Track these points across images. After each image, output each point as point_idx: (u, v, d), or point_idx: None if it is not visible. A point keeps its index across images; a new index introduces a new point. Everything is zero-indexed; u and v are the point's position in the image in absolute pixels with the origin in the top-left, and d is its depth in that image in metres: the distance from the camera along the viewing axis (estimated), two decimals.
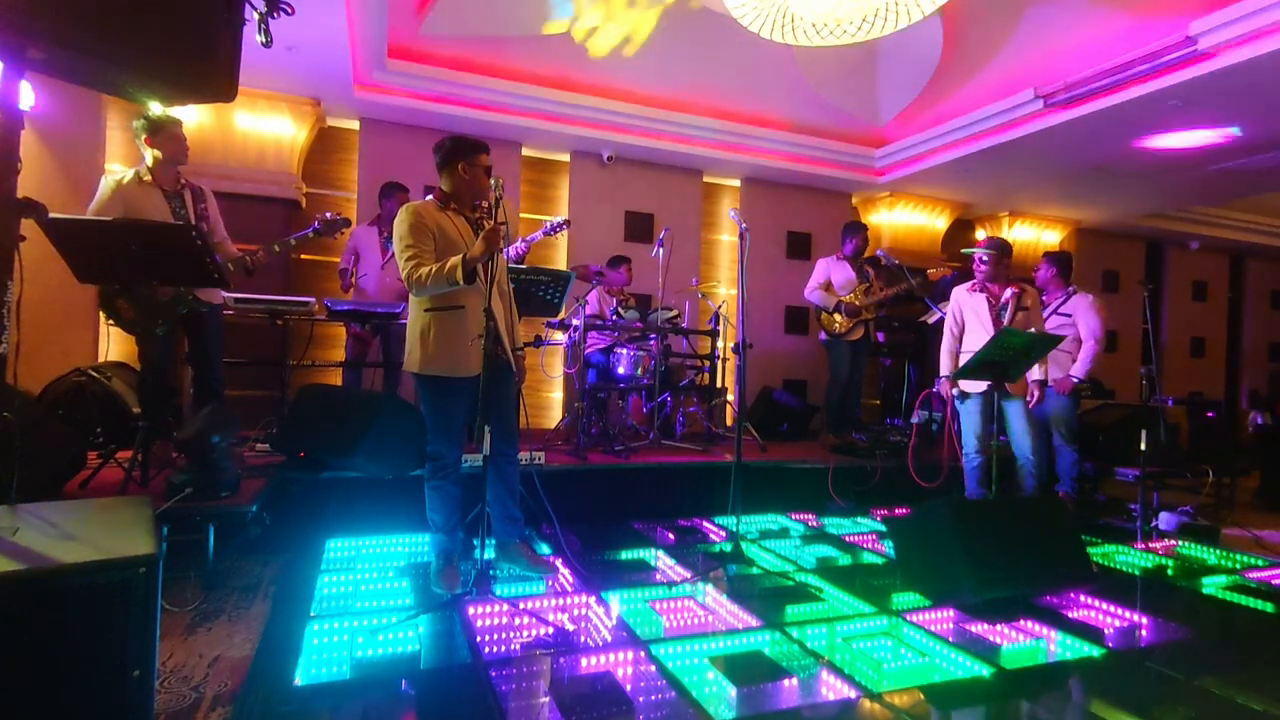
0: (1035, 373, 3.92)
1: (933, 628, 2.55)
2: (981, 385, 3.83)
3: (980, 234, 8.33)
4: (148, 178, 3.22)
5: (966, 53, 4.99)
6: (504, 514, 2.89)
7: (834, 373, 5.44)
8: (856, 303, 5.29)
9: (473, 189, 2.72)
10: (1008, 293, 3.98)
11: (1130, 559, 3.67)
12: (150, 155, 3.22)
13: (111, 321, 3.07)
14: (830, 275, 5.39)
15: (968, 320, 4.07)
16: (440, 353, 2.62)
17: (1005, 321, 3.92)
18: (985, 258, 3.99)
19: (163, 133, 3.21)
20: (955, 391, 4.00)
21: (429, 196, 2.80)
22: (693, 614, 2.61)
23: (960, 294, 4.13)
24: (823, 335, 5.50)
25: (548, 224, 4.34)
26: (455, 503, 2.78)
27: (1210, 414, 5.95)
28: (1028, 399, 3.96)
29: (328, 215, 3.58)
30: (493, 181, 2.68)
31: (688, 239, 6.64)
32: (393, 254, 4.64)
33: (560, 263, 6.34)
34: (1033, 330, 3.85)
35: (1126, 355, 8.68)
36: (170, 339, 3.28)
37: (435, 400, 2.70)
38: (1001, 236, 4.09)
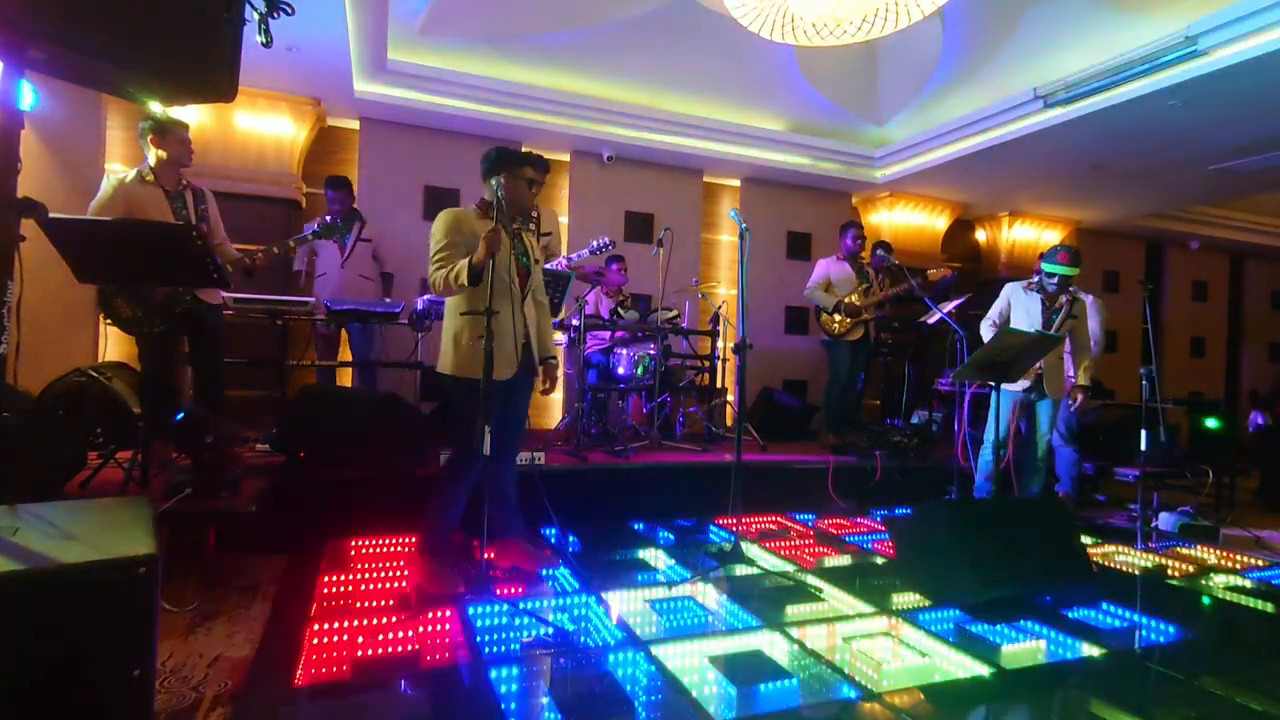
0: (1082, 377, 4.08)
1: (933, 628, 2.55)
2: (1026, 384, 3.97)
3: (980, 234, 8.33)
4: (150, 178, 3.22)
5: (966, 53, 4.99)
6: (503, 512, 2.91)
7: (834, 373, 5.44)
8: (857, 303, 5.28)
9: (512, 201, 2.76)
10: (1063, 298, 4.07)
11: (1130, 559, 3.67)
12: (154, 156, 3.22)
13: (110, 321, 3.07)
14: (830, 275, 5.38)
15: (1015, 316, 4.15)
16: (473, 356, 2.64)
17: (1055, 326, 4.01)
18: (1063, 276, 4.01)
19: (170, 135, 3.21)
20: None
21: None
22: (693, 614, 2.61)
23: (1015, 291, 4.20)
24: (822, 335, 5.49)
25: (593, 243, 4.32)
26: (459, 504, 2.78)
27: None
28: (1072, 402, 4.09)
29: (326, 218, 3.58)
30: (493, 182, 2.68)
31: (688, 239, 6.63)
32: (350, 251, 4.66)
33: None
34: (1035, 331, 3.86)
35: (1126, 355, 8.67)
36: (170, 339, 3.27)
37: (461, 400, 2.72)
38: (1078, 249, 4.09)
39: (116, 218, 2.93)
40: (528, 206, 2.85)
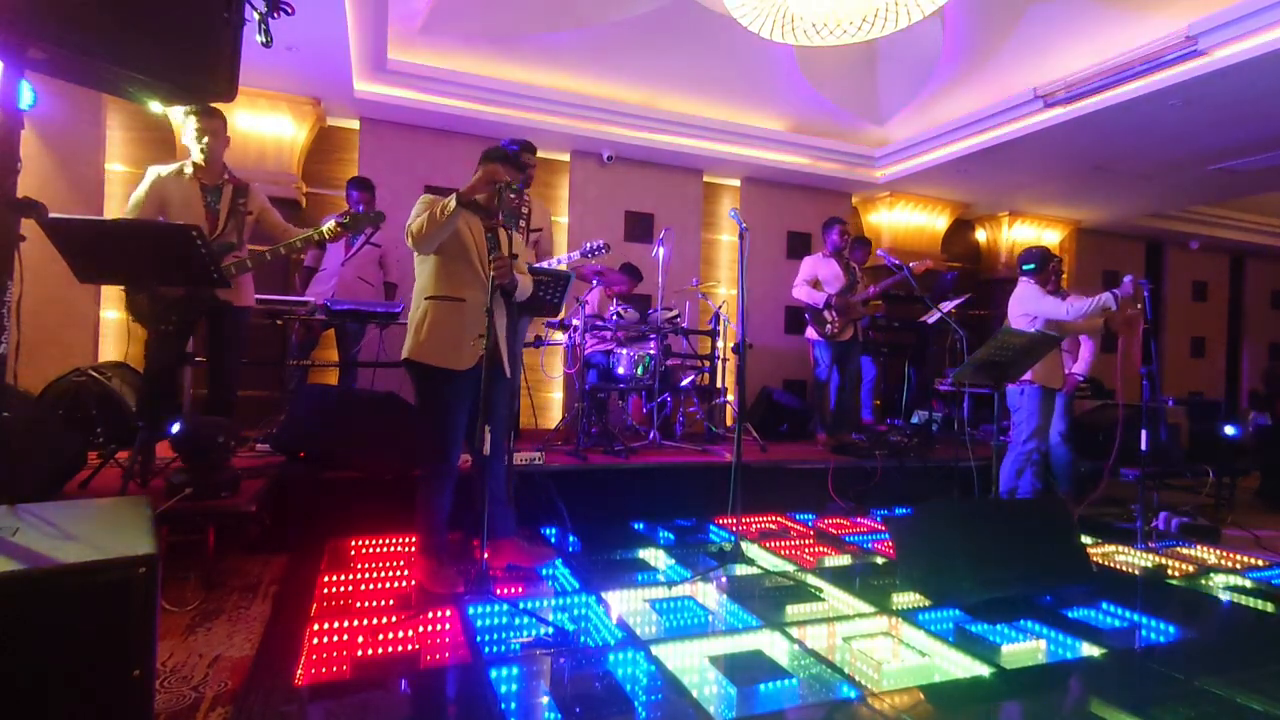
0: (1077, 368, 4.33)
1: (933, 628, 2.55)
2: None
3: (980, 234, 8.33)
4: (189, 170, 3.22)
5: (966, 53, 4.99)
6: (499, 511, 2.90)
7: (815, 373, 5.40)
8: (848, 299, 5.24)
9: (477, 189, 2.70)
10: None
11: (1130, 559, 3.67)
12: (197, 149, 3.21)
13: (133, 318, 3.04)
14: (817, 273, 5.34)
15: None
16: (431, 342, 2.64)
17: None
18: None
19: (210, 126, 3.20)
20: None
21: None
22: (693, 614, 2.61)
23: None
24: (807, 335, 5.41)
25: (585, 246, 4.21)
26: (442, 500, 2.75)
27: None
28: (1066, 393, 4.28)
29: (335, 219, 3.43)
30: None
31: (688, 239, 6.64)
32: (355, 251, 4.65)
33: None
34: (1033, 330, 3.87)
35: (1126, 355, 8.66)
36: (178, 339, 3.25)
37: (424, 388, 2.71)
38: (1043, 247, 4.26)
39: (115, 218, 2.92)
40: (490, 199, 2.74)
